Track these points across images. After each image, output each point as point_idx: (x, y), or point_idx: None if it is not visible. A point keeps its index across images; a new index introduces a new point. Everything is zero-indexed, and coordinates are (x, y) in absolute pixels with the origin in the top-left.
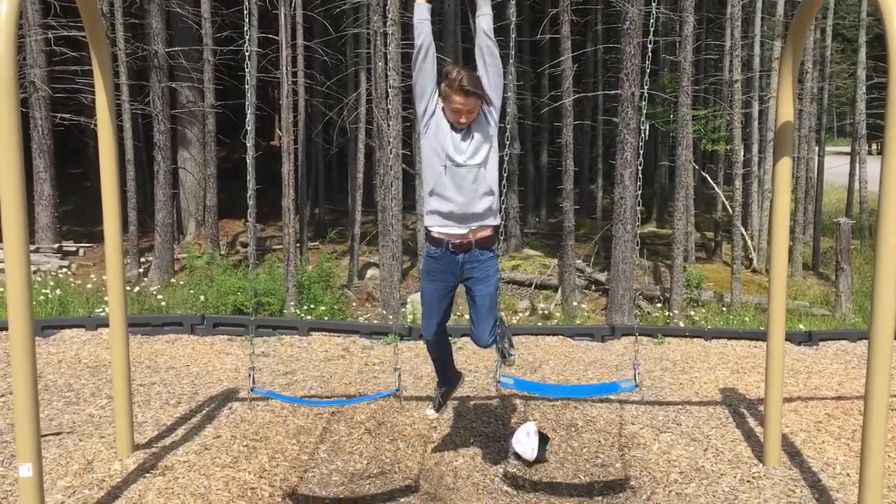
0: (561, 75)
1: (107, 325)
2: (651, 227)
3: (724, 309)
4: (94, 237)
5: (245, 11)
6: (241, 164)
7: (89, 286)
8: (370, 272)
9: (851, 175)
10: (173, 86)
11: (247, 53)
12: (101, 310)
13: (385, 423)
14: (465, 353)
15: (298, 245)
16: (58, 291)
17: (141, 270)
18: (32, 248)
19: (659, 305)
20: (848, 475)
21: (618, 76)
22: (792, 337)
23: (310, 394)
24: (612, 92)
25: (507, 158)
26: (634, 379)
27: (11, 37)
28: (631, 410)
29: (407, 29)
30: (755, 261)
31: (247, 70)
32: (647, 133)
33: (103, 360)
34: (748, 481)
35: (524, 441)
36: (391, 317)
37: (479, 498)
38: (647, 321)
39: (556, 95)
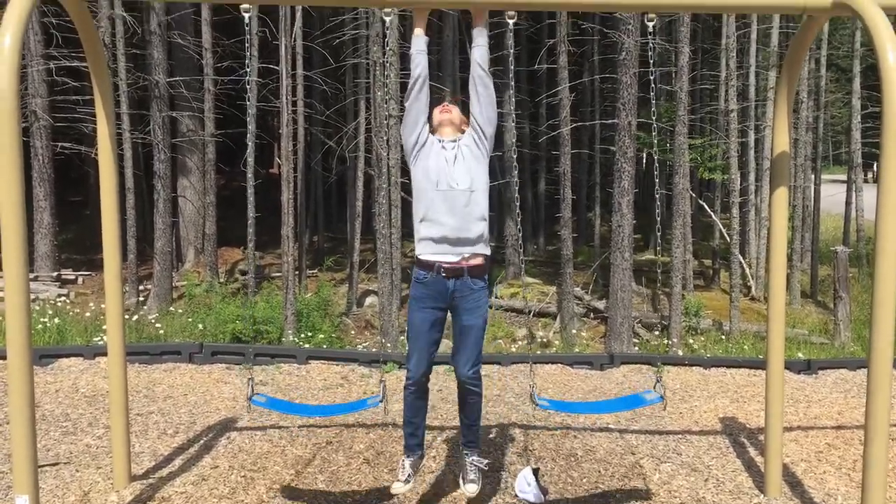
0: (558, 104)
1: (104, 354)
2: (649, 255)
3: (723, 337)
4: (93, 265)
5: (246, 42)
6: (240, 192)
7: (87, 314)
8: (369, 300)
9: (848, 203)
10: (174, 115)
11: (248, 85)
12: (98, 338)
13: (384, 453)
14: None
15: (297, 273)
16: (56, 320)
17: (140, 299)
18: (31, 276)
19: (657, 333)
20: None
21: (614, 105)
22: (791, 365)
23: (307, 423)
24: (609, 121)
25: (510, 185)
26: (656, 389)
27: (14, 68)
28: (631, 440)
29: (405, 59)
30: (753, 289)
31: (248, 100)
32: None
33: (101, 389)
34: None
35: (528, 490)
36: (389, 345)
37: None
38: (646, 349)
39: (554, 124)
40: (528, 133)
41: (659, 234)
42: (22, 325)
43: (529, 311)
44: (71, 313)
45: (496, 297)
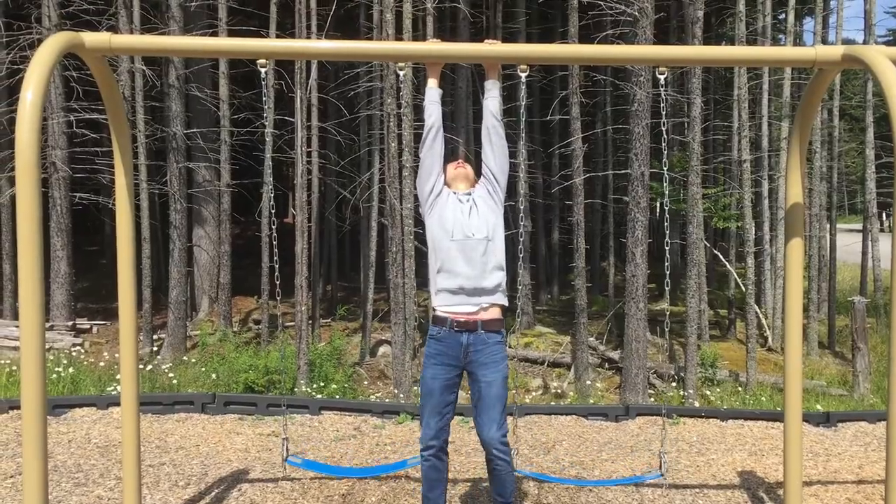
0: (571, 154)
1: (117, 404)
2: (663, 305)
3: (741, 388)
4: (108, 314)
5: (262, 94)
6: (254, 242)
7: (102, 364)
8: (382, 349)
9: (864, 253)
10: (190, 165)
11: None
12: (112, 388)
13: None
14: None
15: (310, 322)
16: (70, 370)
17: (154, 348)
18: (47, 325)
19: (674, 385)
20: None
21: (627, 155)
22: (809, 418)
23: (319, 475)
24: (622, 171)
25: (520, 236)
26: (660, 468)
27: (36, 123)
28: (648, 494)
29: (419, 111)
30: (770, 339)
31: (265, 151)
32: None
33: (113, 439)
34: None
35: None
36: (402, 395)
37: None
38: (661, 400)
39: (567, 174)
40: (541, 183)
41: (668, 286)
42: (37, 377)
43: (544, 362)
44: (85, 363)
45: (509, 347)
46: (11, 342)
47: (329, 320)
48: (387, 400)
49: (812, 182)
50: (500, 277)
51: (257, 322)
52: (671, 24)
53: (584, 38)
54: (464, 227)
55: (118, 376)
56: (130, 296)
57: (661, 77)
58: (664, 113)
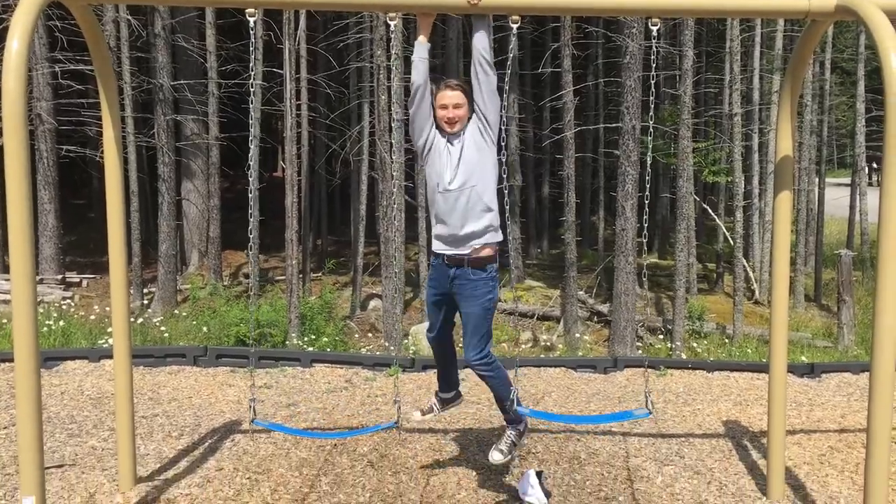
0: (562, 108)
1: (109, 357)
2: (652, 259)
3: (727, 340)
4: (98, 268)
5: (250, 45)
6: (244, 196)
7: (92, 317)
8: (372, 303)
9: (852, 207)
10: (178, 118)
11: (252, 88)
12: (103, 341)
13: (387, 456)
14: (467, 384)
15: (301, 276)
16: (61, 323)
17: (144, 302)
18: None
19: (661, 337)
20: None
21: (618, 109)
22: (794, 369)
23: (312, 426)
24: (613, 125)
25: (507, 189)
26: (647, 406)
27: (22, 73)
28: (634, 443)
29: (410, 63)
30: (757, 292)
31: (251, 103)
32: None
33: (106, 391)
34: None
35: (531, 493)
36: (393, 348)
37: None
38: (650, 352)
39: (558, 128)
40: (531, 137)
41: (646, 238)
42: (29, 329)
43: (533, 315)
44: (75, 316)
45: (500, 300)
46: (2, 295)
47: (319, 274)
48: (377, 353)
49: (802, 136)
50: (490, 219)
51: (247, 276)
52: None
53: None
54: (448, 179)
55: (109, 329)
56: (120, 249)
57: (654, 28)
58: (654, 66)
